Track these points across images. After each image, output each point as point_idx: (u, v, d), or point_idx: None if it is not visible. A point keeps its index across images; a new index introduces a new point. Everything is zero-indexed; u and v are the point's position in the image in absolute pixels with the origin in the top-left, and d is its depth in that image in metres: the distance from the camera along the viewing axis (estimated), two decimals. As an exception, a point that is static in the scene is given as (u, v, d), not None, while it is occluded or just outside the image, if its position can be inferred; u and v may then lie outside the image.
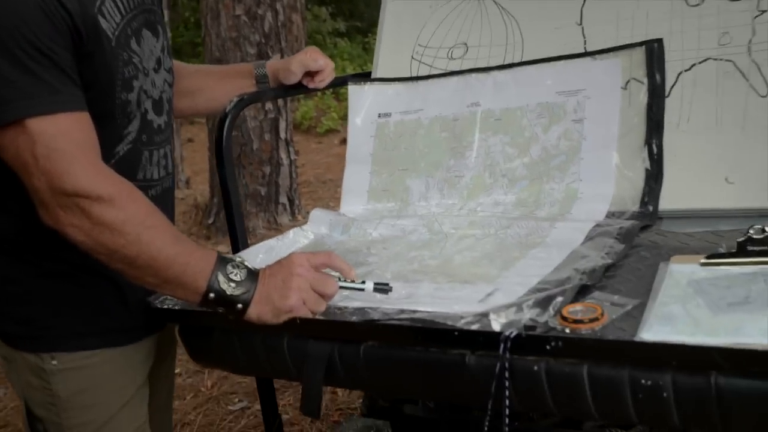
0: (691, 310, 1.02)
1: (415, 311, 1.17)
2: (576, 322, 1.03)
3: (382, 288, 1.25)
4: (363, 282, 1.25)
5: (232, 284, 1.16)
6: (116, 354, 1.34)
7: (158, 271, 1.14)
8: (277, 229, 4.76)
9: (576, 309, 1.07)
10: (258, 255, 1.60)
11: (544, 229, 1.50)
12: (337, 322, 1.18)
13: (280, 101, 4.71)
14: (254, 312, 1.18)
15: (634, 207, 1.52)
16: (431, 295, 1.26)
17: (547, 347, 0.99)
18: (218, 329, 1.32)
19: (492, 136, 1.73)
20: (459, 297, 1.23)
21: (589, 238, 1.41)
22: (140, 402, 1.40)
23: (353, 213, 1.81)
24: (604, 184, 1.57)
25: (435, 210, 1.73)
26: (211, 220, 4.90)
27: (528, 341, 1.01)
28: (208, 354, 1.39)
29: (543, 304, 1.11)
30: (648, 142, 1.55)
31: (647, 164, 1.54)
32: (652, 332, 0.97)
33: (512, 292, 1.21)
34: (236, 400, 3.06)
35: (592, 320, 1.03)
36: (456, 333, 1.06)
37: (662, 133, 1.54)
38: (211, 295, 1.16)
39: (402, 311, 1.18)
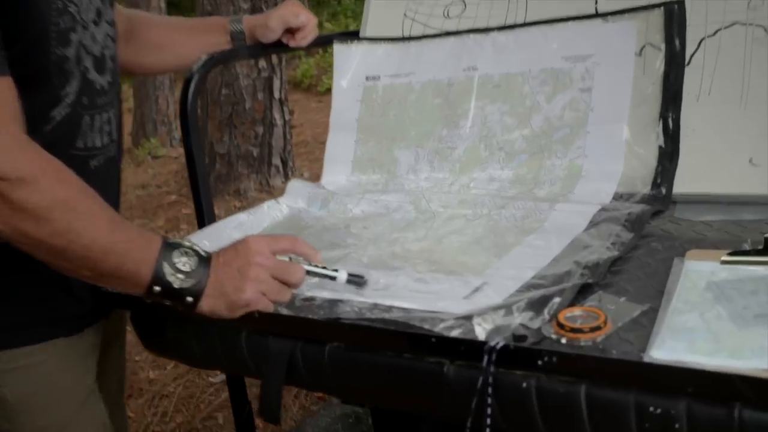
0: (710, 321, 0.87)
1: (390, 308, 1.02)
2: (574, 330, 0.88)
3: (356, 280, 1.09)
4: (336, 270, 1.09)
5: (180, 275, 1.00)
6: (64, 346, 1.18)
7: (94, 263, 0.98)
8: (269, 191, 4.60)
9: (575, 314, 0.92)
10: (225, 231, 1.44)
11: (543, 211, 1.34)
12: (299, 319, 1.03)
13: (275, 58, 4.52)
14: (206, 305, 1.02)
15: (645, 189, 1.36)
16: (411, 288, 1.10)
17: (539, 362, 0.83)
18: (172, 319, 1.17)
19: (489, 104, 1.56)
20: (442, 291, 1.08)
21: (593, 224, 1.25)
22: (98, 398, 1.25)
23: (335, 185, 1.65)
24: (612, 162, 1.40)
25: (423, 185, 1.57)
26: (201, 181, 4.73)
27: (517, 354, 0.85)
28: (161, 344, 1.24)
29: (537, 306, 0.95)
30: (663, 116, 1.38)
31: (661, 141, 1.37)
32: (664, 349, 0.82)
33: (503, 287, 1.05)
34: (217, 372, 2.93)
35: (593, 329, 0.88)
36: (433, 339, 0.91)
37: (680, 107, 1.37)
38: (156, 288, 1.00)
39: (375, 306, 1.03)
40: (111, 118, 1.18)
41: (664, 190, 1.34)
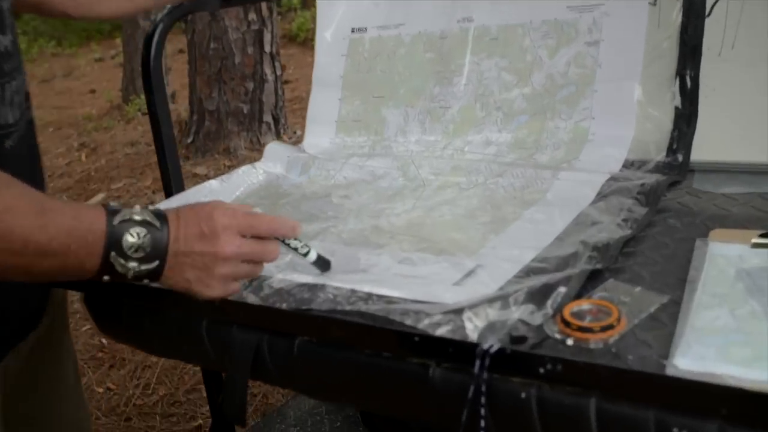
0: (743, 320, 0.73)
1: (369, 295, 0.88)
2: (582, 330, 0.74)
3: (320, 264, 0.96)
4: (307, 249, 0.96)
5: (132, 263, 0.85)
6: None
7: (29, 267, 0.82)
8: (260, 150, 4.43)
9: (583, 309, 0.78)
10: (195, 200, 1.30)
11: (545, 179, 1.20)
12: (265, 308, 0.89)
13: (265, 11, 4.32)
14: (164, 283, 0.89)
15: (659, 156, 1.22)
16: (394, 271, 0.97)
17: (541, 370, 0.70)
18: (128, 305, 1.04)
19: (486, 59, 1.41)
20: (430, 275, 0.94)
21: (601, 196, 1.11)
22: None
23: (317, 148, 1.51)
24: (622, 125, 1.26)
25: (413, 148, 1.43)
26: (190, 139, 4.58)
27: (514, 358, 0.72)
28: (117, 329, 1.11)
29: (538, 297, 0.82)
30: (680, 73, 1.23)
31: (677, 101, 1.23)
32: (690, 357, 0.68)
33: (499, 271, 0.92)
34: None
35: (605, 328, 0.74)
36: (416, 338, 0.77)
37: (699, 63, 1.22)
38: (106, 277, 0.86)
39: (353, 293, 0.89)
40: (20, 86, 1.00)
41: (680, 158, 1.20)
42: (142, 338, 1.08)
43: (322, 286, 0.92)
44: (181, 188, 1.38)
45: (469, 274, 0.93)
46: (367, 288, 0.90)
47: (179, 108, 5.83)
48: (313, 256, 0.96)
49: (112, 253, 0.84)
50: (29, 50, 9.76)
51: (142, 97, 6.39)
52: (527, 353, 0.72)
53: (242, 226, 0.88)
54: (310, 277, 0.95)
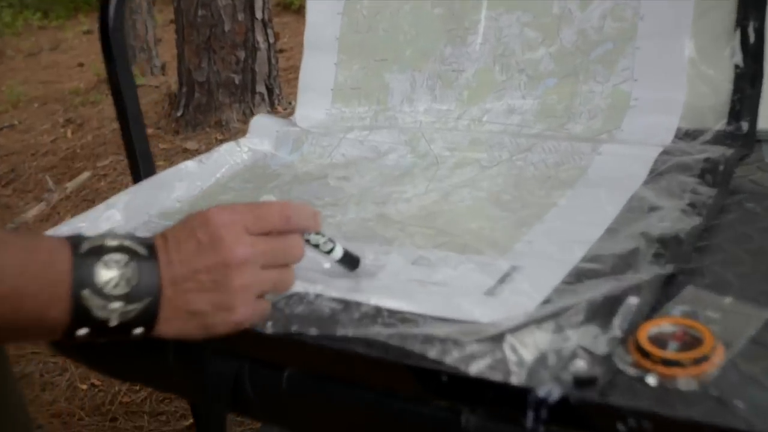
0: None
1: (376, 312, 0.69)
2: (667, 363, 0.55)
3: (347, 261, 0.77)
4: (332, 245, 0.76)
5: (115, 304, 0.62)
6: None
7: None
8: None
9: (663, 331, 0.59)
10: (168, 185, 1.11)
11: (584, 155, 1.00)
12: (244, 332, 0.69)
13: (255, -26, 4.09)
14: (168, 330, 0.67)
15: (718, 124, 1.02)
16: (406, 276, 0.77)
17: (621, 427, 0.51)
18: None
19: (505, 13, 1.21)
20: (452, 281, 0.74)
21: (656, 173, 0.92)
22: None
23: (311, 121, 1.30)
24: (671, 87, 1.06)
25: (423, 119, 1.23)
26: (179, 113, 4.35)
27: (581, 410, 0.53)
28: (69, 348, 0.91)
29: (601, 315, 0.62)
30: (741, 25, 1.03)
31: (738, 58, 1.03)
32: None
33: (542, 275, 0.72)
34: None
35: (698, 360, 0.55)
36: (444, 378, 0.58)
37: (764, 12, 1.02)
38: (81, 331, 0.63)
39: (357, 308, 0.70)
40: None
41: (744, 126, 1.00)
42: (99, 360, 0.88)
43: (316, 298, 0.73)
44: (151, 171, 1.18)
45: (504, 279, 0.73)
46: (374, 300, 0.71)
47: (170, 81, 5.62)
48: (338, 252, 0.76)
49: (84, 292, 0.61)
50: (14, 23, 9.47)
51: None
52: (598, 404, 0.52)
53: (248, 220, 0.67)
54: (298, 283, 0.75)
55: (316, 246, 0.74)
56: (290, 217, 0.70)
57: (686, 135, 1.01)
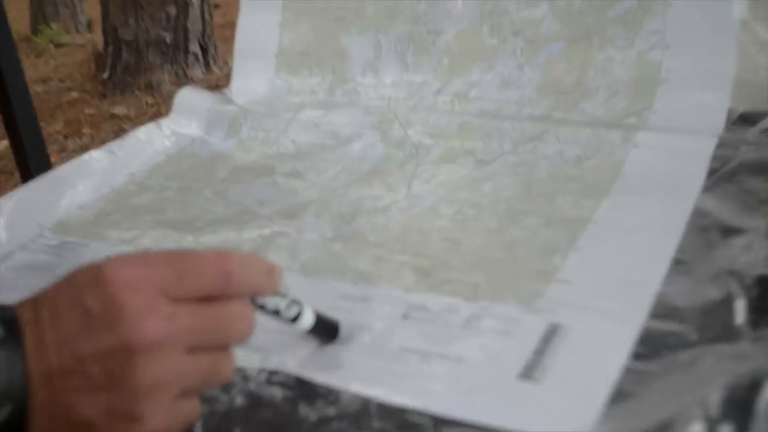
0: None
1: (362, 407, 0.44)
2: None
3: (321, 330, 0.52)
4: (297, 309, 0.50)
5: None
6: None
7: None
8: (187, 84, 3.90)
9: None
10: (62, 189, 0.84)
11: (614, 145, 0.77)
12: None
13: None
14: None
15: (783, 103, 0.80)
16: (398, 341, 0.53)
17: None
18: None
19: (496, -40, 0.96)
20: (468, 353, 0.50)
21: (717, 174, 0.69)
22: None
23: (251, 94, 1.04)
24: (716, 56, 0.82)
25: (392, 94, 0.97)
26: (106, 75, 4.00)
27: None
28: None
29: (729, 413, 0.39)
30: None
31: (803, 17, 0.80)
32: None
33: (598, 348, 0.49)
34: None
35: None
36: None
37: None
38: None
39: (331, 402, 0.45)
40: None
41: (817, 105, 0.78)
42: None
43: (268, 378, 0.48)
44: (45, 166, 0.91)
45: (543, 348, 0.49)
46: (356, 385, 0.47)
47: (97, 39, 5.24)
48: (308, 319, 0.50)
49: None
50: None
51: (53, 26, 5.76)
52: None
53: (166, 278, 0.41)
54: (242, 354, 0.50)
55: (276, 313, 0.48)
56: (232, 272, 0.44)
57: (741, 119, 0.78)
